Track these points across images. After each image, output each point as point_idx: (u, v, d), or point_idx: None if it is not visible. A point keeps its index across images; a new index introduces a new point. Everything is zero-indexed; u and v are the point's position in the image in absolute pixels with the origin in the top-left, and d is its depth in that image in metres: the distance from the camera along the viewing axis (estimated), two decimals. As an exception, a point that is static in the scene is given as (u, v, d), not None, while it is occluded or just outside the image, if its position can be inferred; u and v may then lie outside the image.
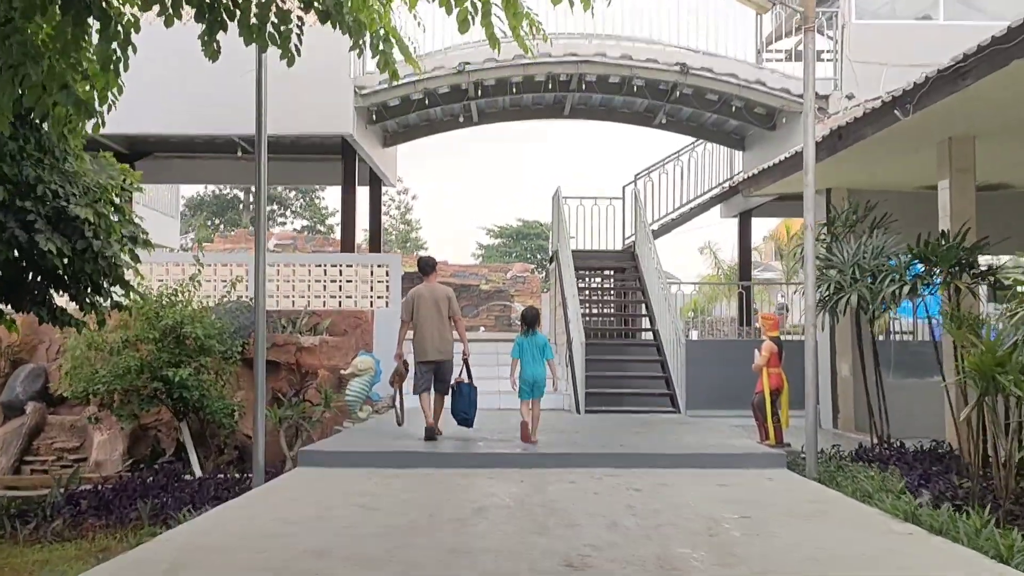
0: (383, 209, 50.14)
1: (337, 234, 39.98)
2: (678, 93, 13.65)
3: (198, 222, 44.93)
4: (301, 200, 43.62)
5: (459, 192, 67.76)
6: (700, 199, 16.44)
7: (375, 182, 16.69)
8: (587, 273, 15.81)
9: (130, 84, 5.56)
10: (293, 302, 13.30)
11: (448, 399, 9.10)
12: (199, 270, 11.45)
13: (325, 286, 13.34)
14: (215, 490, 8.63)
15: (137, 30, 5.08)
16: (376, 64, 6.21)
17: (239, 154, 15.10)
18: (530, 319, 8.93)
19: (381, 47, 6.12)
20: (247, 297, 12.37)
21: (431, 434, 8.72)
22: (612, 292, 16.80)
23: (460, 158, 60.20)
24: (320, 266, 13.35)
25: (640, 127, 16.17)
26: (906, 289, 7.54)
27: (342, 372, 11.87)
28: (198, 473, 10.81)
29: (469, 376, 8.95)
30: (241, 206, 44.94)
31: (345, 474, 7.33)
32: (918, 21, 13.39)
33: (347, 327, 13.17)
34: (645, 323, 14.98)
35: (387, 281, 13.32)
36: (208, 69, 6.24)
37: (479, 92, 13.56)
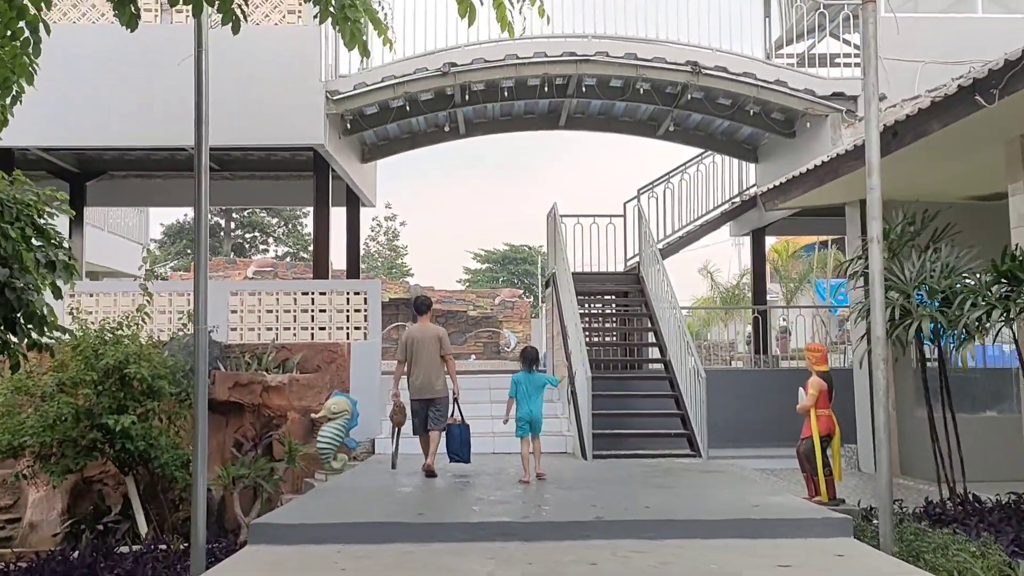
0: (370, 235, 49.96)
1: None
2: (687, 97, 12.38)
3: (165, 251, 43.47)
4: (283, 227, 42.44)
5: (447, 218, 67.24)
6: (709, 215, 15.13)
7: (353, 201, 15.32)
8: (586, 298, 14.45)
9: (77, 94, 4.46)
10: (259, 335, 11.87)
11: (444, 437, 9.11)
12: (148, 301, 9.99)
13: (295, 316, 11.91)
14: (153, 569, 7.13)
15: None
16: (343, 41, 4.87)
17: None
18: (530, 358, 8.90)
19: (346, 13, 4.75)
20: (212, 330, 10.91)
21: (431, 474, 8.82)
22: (614, 319, 15.45)
23: (448, 183, 59.50)
24: (289, 294, 11.93)
25: (642, 138, 14.94)
26: (996, 313, 6.18)
27: (313, 416, 10.42)
28: (144, 534, 9.36)
29: (461, 414, 9.14)
30: (222, 233, 43.71)
31: (306, 555, 5.87)
32: (952, 15, 12.17)
33: (320, 362, 11.74)
34: (653, 352, 13.62)
35: (365, 310, 11.91)
36: (164, 76, 4.99)
37: (466, 97, 12.25)
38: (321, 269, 12.45)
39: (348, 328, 11.89)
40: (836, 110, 11.53)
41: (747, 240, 17.20)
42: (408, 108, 12.47)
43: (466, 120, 14.07)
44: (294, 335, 11.88)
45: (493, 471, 9.33)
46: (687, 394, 11.18)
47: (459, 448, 8.95)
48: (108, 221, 24.01)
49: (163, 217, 46.37)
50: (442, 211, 68.67)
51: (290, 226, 43.08)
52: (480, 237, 72.40)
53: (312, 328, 11.91)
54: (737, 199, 15.53)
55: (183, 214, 42.80)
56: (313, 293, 11.94)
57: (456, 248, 76.37)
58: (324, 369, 11.72)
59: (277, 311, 11.89)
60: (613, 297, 15.23)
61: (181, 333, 11.02)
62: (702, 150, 15.20)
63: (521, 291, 43.90)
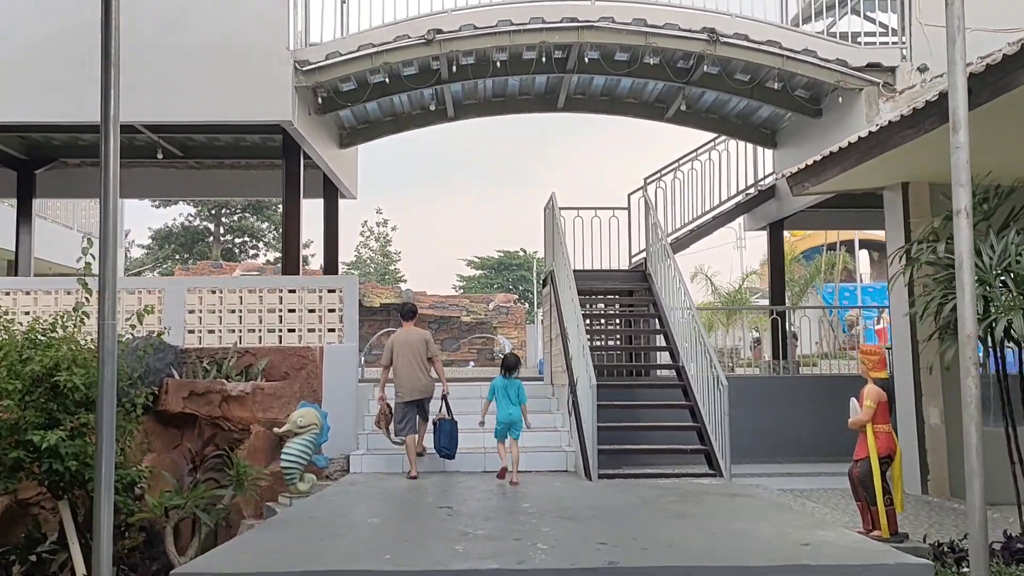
0: (361, 240, 49.10)
1: (313, 264, 38.04)
2: (702, 71, 11.14)
3: (152, 256, 42.28)
4: (274, 231, 41.45)
5: (440, 224, 66.65)
6: (723, 207, 13.86)
7: (331, 193, 14.05)
8: (587, 298, 13.18)
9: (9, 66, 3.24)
10: (220, 337, 10.59)
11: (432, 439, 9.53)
12: (87, 298, 8.66)
13: (261, 317, 10.63)
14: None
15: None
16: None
17: (159, 156, 12.43)
18: (510, 365, 9.38)
19: None
20: (164, 332, 9.61)
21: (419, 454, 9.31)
22: (618, 320, 14.17)
23: (441, 190, 58.77)
24: (254, 292, 10.64)
25: (649, 121, 13.71)
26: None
27: (276, 430, 9.14)
28: (80, 571, 8.05)
29: (449, 412, 9.52)
30: (211, 238, 42.69)
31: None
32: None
33: (289, 369, 10.48)
34: (663, 357, 12.37)
35: (340, 310, 10.63)
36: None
37: (453, 70, 10.99)
38: (291, 264, 11.18)
39: (321, 330, 10.61)
40: (872, 83, 10.30)
41: (751, 239, 15.99)
42: (389, 83, 11.21)
43: (455, 100, 12.81)
44: (259, 338, 10.60)
45: (482, 494, 8.05)
46: (704, 404, 9.93)
47: (447, 443, 9.34)
48: (79, 219, 22.81)
49: (152, 223, 45.50)
50: (435, 218, 68.09)
51: (280, 231, 42.01)
52: (474, 245, 72.01)
53: (280, 330, 10.63)
54: (752, 190, 14.28)
55: (172, 218, 42.00)
56: (281, 291, 10.66)
57: (449, 255, 75.79)
58: (293, 376, 10.46)
59: (240, 311, 10.60)
60: (617, 297, 13.96)
61: (128, 335, 9.72)
62: (714, 135, 13.94)
63: (516, 296, 42.85)
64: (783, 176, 9.34)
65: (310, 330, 10.62)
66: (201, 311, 10.56)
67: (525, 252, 50.60)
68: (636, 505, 7.47)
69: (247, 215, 41.54)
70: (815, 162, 8.68)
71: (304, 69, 10.20)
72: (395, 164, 67.72)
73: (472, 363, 36.19)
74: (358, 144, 13.59)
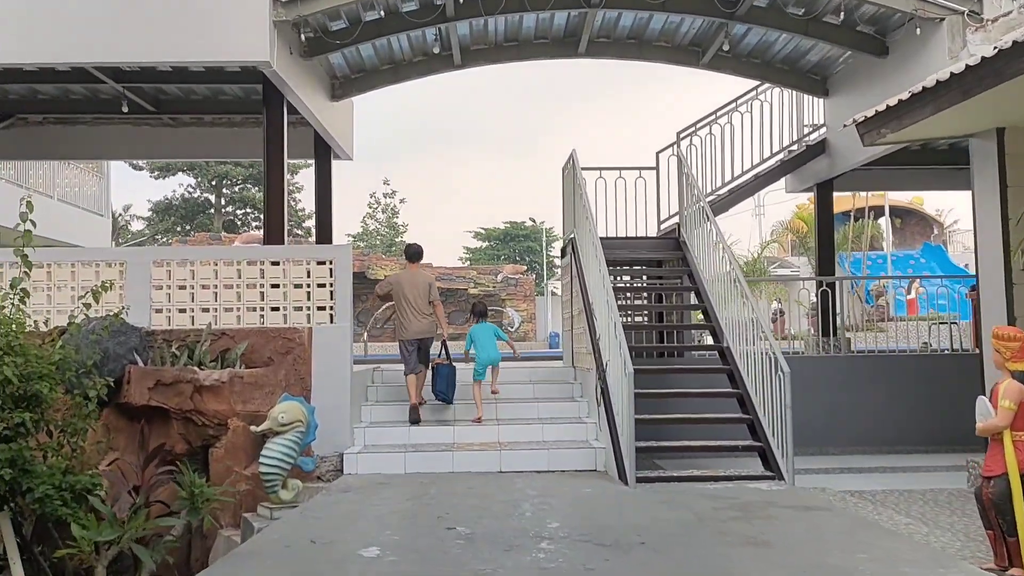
0: (368, 212, 48.41)
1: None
2: (749, 2, 9.58)
3: (153, 227, 41.14)
4: None
5: (447, 196, 65.74)
6: (766, 164, 12.36)
7: (323, 152, 12.60)
8: (611, 269, 11.70)
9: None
10: (193, 318, 9.22)
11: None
12: (26, 273, 7.28)
13: (239, 294, 9.25)
14: None
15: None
16: None
17: (125, 110, 10.99)
18: (482, 311, 10.20)
19: None
20: (123, 310, 8.19)
21: (415, 416, 9.35)
22: (646, 295, 12.76)
23: (448, 161, 57.84)
24: (231, 264, 9.24)
25: (683, 68, 12.19)
26: None
27: (253, 429, 7.77)
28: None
29: (448, 356, 9.73)
30: (212, 210, 41.61)
31: None
32: None
33: (272, 353, 9.12)
34: (701, 337, 10.99)
35: (331, 284, 9.23)
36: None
37: (460, 1, 9.45)
38: (274, 232, 9.78)
39: (309, 308, 9.22)
40: (955, 11, 8.78)
41: (770, 207, 14.51)
42: (385, 20, 9.74)
43: (462, 44, 11.34)
44: (238, 318, 9.22)
45: (499, 506, 6.69)
46: (756, 392, 8.52)
47: (444, 386, 9.55)
48: (57, 188, 21.56)
49: (151, 195, 44.43)
50: (442, 188, 67.05)
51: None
52: (481, 217, 71.16)
53: (262, 309, 9.24)
54: (795, 147, 12.79)
55: (171, 190, 40.89)
56: (262, 263, 9.25)
57: (456, 227, 74.76)
58: (277, 362, 9.09)
59: (216, 287, 9.20)
60: (645, 267, 12.55)
61: (83, 316, 8.35)
62: (756, 84, 12.40)
63: (524, 268, 41.67)
64: (852, 122, 7.88)
65: (296, 308, 9.23)
66: (170, 287, 9.17)
67: (534, 222, 49.56)
68: (690, 525, 6.10)
69: (249, 185, 40.70)
70: (900, 102, 7.21)
71: (284, 0, 8.70)
72: (402, 134, 66.52)
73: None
74: (352, 96, 12.12)
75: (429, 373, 9.71)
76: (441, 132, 72.74)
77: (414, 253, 9.91)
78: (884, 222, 38.36)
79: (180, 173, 40.43)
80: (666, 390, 9.37)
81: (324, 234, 12.63)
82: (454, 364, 9.68)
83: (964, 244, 43.35)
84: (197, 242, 31.39)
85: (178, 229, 41.42)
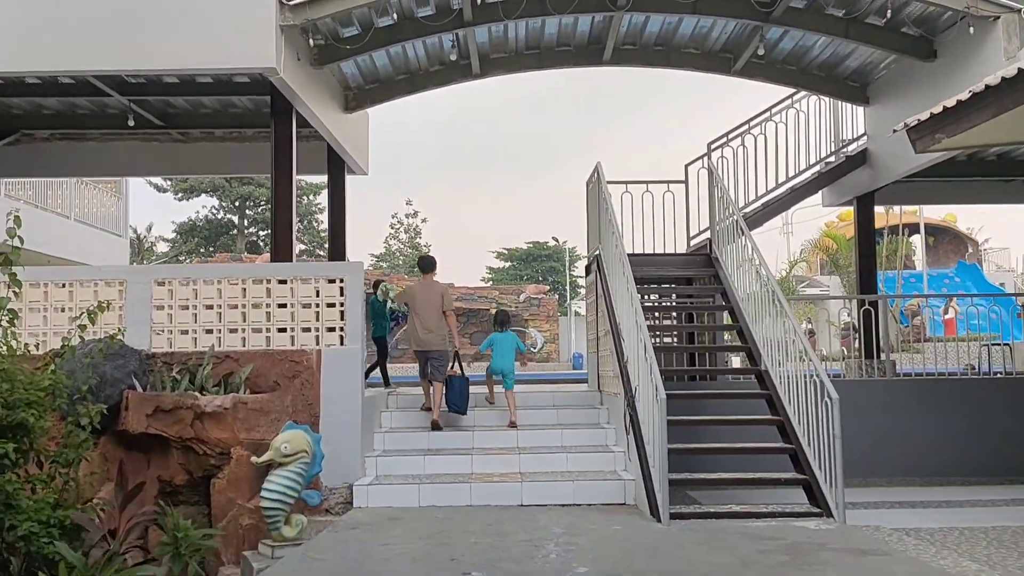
0: (390, 232, 48.69)
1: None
2: (786, 3, 9.03)
3: (176, 248, 41.19)
4: (299, 223, 40.39)
5: (469, 217, 65.86)
6: (803, 176, 11.75)
7: (337, 167, 12.14)
8: (637, 288, 11.14)
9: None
10: (196, 340, 8.73)
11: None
12: (16, 293, 6.83)
13: (245, 314, 8.77)
14: None
15: None
16: None
17: (131, 123, 10.60)
18: (502, 320, 10.23)
19: None
20: (118, 332, 7.70)
21: (435, 425, 9.26)
22: (675, 314, 12.17)
23: (470, 182, 57.87)
24: (236, 283, 8.75)
25: (713, 75, 11.64)
26: None
27: (254, 460, 7.25)
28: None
29: (460, 368, 9.73)
30: (235, 231, 41.72)
31: None
32: None
33: (279, 377, 8.63)
34: (735, 359, 10.35)
35: (341, 304, 8.72)
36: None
37: (478, 3, 8.97)
38: (282, 249, 9.31)
39: (318, 329, 8.71)
40: (1011, 8, 8.17)
41: (798, 225, 13.88)
42: (399, 26, 9.28)
43: (480, 52, 10.87)
44: (243, 339, 8.74)
45: (522, 551, 6.11)
46: (799, 420, 7.89)
47: (458, 399, 9.47)
48: (75, 209, 21.40)
49: (175, 216, 44.64)
50: (464, 209, 67.09)
51: (305, 222, 41.63)
52: (503, 237, 71.32)
53: (268, 330, 8.74)
54: (832, 158, 12.17)
55: (195, 211, 41.01)
56: (269, 281, 8.76)
57: (478, 247, 74.84)
58: (284, 386, 8.60)
59: (220, 307, 8.72)
60: (673, 286, 11.95)
61: (79, 338, 7.90)
62: (791, 91, 11.82)
63: (547, 288, 41.20)
64: (904, 127, 7.28)
65: (304, 329, 8.73)
66: (172, 307, 8.70)
67: (557, 241, 49.25)
68: (733, 571, 5.48)
69: (204, 174, 40.70)
70: (959, 103, 6.60)
71: (291, 3, 8.25)
72: (425, 154, 66.58)
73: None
74: (367, 107, 11.66)
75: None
76: (464, 152, 72.83)
77: (427, 263, 9.92)
78: (918, 239, 37.48)
79: (203, 195, 40.61)
80: (700, 417, 8.78)
81: (338, 251, 12.15)
82: (467, 376, 9.63)
83: (996, 263, 42.36)
84: (217, 262, 31.21)
85: (201, 250, 41.57)
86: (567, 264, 47.65)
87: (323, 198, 42.70)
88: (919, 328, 23.56)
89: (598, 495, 8.11)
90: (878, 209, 17.25)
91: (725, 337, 11.28)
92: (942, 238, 44.69)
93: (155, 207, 69.61)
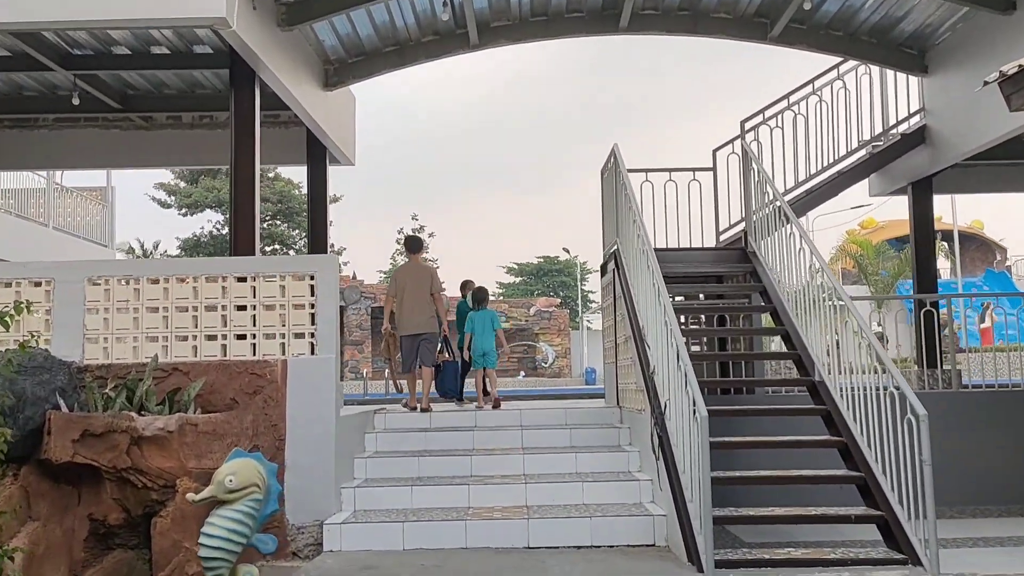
0: (396, 248, 48.09)
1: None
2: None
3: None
4: (305, 238, 39.50)
5: (478, 232, 65.23)
6: (850, 160, 10.33)
7: (316, 154, 10.79)
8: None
9: None
10: (138, 349, 7.33)
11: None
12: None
13: (196, 318, 7.38)
14: None
15: None
16: None
17: (75, 101, 9.29)
18: (480, 298, 9.96)
19: None
20: (32, 338, 6.32)
21: (421, 410, 9.01)
22: (702, 317, 10.75)
23: (477, 198, 57.15)
24: (186, 281, 7.37)
25: (746, 44, 10.27)
26: None
27: (191, 497, 5.84)
28: None
29: (450, 352, 9.96)
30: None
31: None
32: None
33: (237, 393, 7.27)
34: (779, 369, 8.94)
35: (312, 305, 7.34)
36: None
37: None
38: (243, 242, 7.93)
39: (284, 335, 7.32)
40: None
41: (823, 228, 12.42)
42: (382, -20, 7.94)
43: (479, 20, 9.56)
44: (194, 348, 7.36)
45: None
46: (869, 442, 6.44)
47: (452, 384, 9.71)
48: (54, 218, 20.34)
49: (180, 232, 43.93)
50: (473, 224, 66.46)
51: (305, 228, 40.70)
52: (513, 252, 70.57)
53: (224, 337, 7.35)
54: (881, 142, 10.74)
55: (200, 226, 40.14)
56: (225, 279, 7.38)
57: (488, 262, 74.23)
58: (243, 404, 7.23)
59: (166, 309, 7.34)
60: (700, 284, 10.53)
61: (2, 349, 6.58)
62: (836, 61, 10.41)
63: (558, 301, 40.00)
64: (1000, 76, 5.89)
65: (268, 336, 7.36)
66: (108, 310, 7.32)
67: (567, 252, 48.29)
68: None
69: (277, 221, 40.16)
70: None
71: (246, -58, 6.92)
72: (430, 169, 65.76)
73: (523, 373, 33.09)
74: (350, 83, 10.32)
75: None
76: (469, 168, 72.05)
77: (414, 244, 9.76)
78: (949, 245, 35.95)
79: (208, 209, 39.73)
80: (744, 438, 7.32)
81: (319, 249, 10.78)
82: (457, 360, 9.74)
83: (1020, 273, 40.80)
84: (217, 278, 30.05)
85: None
86: (578, 278, 46.89)
87: (329, 211, 41.65)
88: (950, 338, 22.15)
89: (621, 534, 6.70)
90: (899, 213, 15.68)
91: (765, 343, 9.85)
92: (969, 246, 43.21)
93: (160, 223, 69.02)
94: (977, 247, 44.82)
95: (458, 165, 71.70)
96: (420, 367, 9.22)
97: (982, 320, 26.90)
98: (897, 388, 6.00)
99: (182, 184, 39.90)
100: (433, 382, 9.55)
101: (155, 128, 11.22)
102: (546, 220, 72.27)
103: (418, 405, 9.20)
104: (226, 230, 40.61)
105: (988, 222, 42.43)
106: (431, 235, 49.92)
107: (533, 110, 72.97)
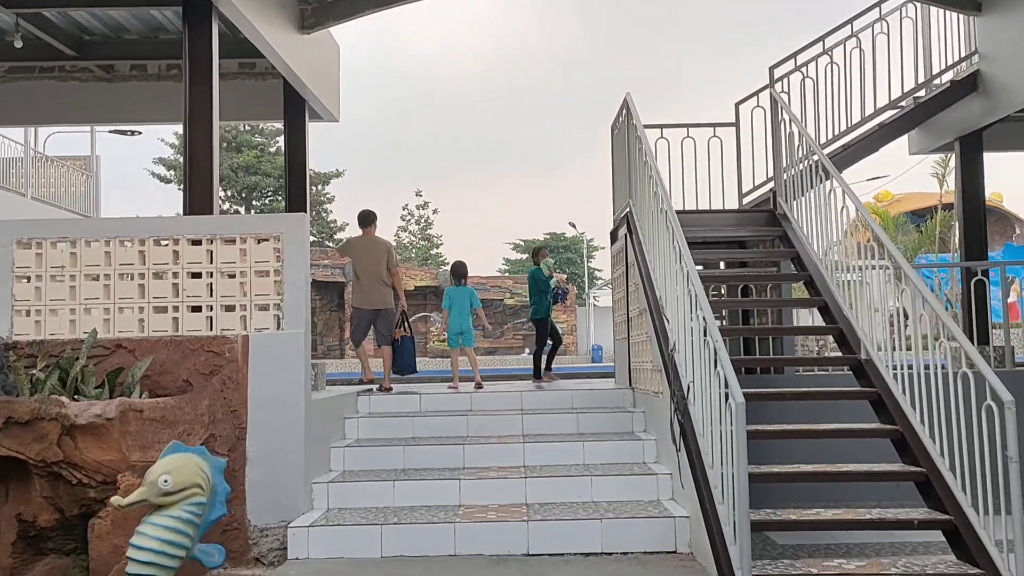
0: (400, 224, 47.59)
1: None
2: None
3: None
4: (311, 214, 38.69)
5: (484, 211, 64.61)
6: (891, 113, 9.26)
7: (295, 106, 9.76)
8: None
9: None
10: (76, 323, 6.35)
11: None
12: None
13: (144, 287, 6.38)
14: None
15: None
16: None
17: (18, 45, 8.28)
18: (459, 273, 9.84)
19: None
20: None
21: (384, 389, 8.92)
22: (724, 287, 9.73)
23: (485, 177, 56.29)
24: (132, 243, 6.37)
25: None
26: None
27: (115, 501, 4.87)
28: None
29: (408, 328, 9.49)
30: (241, 224, 40.19)
31: None
32: None
33: (191, 374, 6.32)
34: (815, 345, 7.95)
35: (278, 273, 6.33)
36: None
37: None
38: (199, 199, 6.92)
39: (245, 308, 6.32)
40: None
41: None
42: None
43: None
44: (141, 322, 6.38)
45: None
46: (934, 432, 5.43)
47: (407, 360, 9.41)
48: (32, 187, 19.54)
49: (180, 205, 43.26)
50: (479, 202, 65.70)
51: (315, 213, 39.83)
52: (519, 229, 69.92)
53: (176, 308, 6.36)
54: (923, 92, 9.64)
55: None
56: (178, 241, 6.37)
57: (495, 240, 73.53)
58: (198, 387, 6.28)
59: (108, 277, 6.35)
60: (722, 250, 9.51)
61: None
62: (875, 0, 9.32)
63: (564, 277, 39.12)
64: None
65: (227, 308, 6.37)
66: (41, 278, 6.33)
67: (574, 226, 47.50)
68: None
69: (279, 198, 39.28)
70: None
71: None
72: (437, 147, 64.77)
73: (528, 350, 32.22)
74: (329, 25, 9.24)
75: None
76: (476, 146, 71.06)
77: (366, 217, 9.33)
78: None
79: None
80: (775, 426, 6.30)
81: (296, 209, 9.77)
82: (414, 336, 9.59)
83: (1038, 248, 39.69)
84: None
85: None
86: (584, 254, 46.19)
87: (331, 187, 40.73)
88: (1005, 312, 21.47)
89: (636, 539, 5.76)
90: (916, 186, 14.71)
91: (797, 315, 8.84)
92: (988, 219, 42.04)
93: (162, 199, 68.11)
94: (996, 220, 43.63)
95: (468, 140, 70.76)
96: (379, 345, 9.24)
97: (1006, 295, 25.96)
98: (972, 367, 4.99)
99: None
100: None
101: (118, 80, 10.19)
102: (553, 199, 71.51)
103: (380, 382, 9.20)
104: (227, 206, 39.59)
105: (1008, 195, 41.09)
106: (435, 211, 49.09)
107: (542, 86, 71.87)
